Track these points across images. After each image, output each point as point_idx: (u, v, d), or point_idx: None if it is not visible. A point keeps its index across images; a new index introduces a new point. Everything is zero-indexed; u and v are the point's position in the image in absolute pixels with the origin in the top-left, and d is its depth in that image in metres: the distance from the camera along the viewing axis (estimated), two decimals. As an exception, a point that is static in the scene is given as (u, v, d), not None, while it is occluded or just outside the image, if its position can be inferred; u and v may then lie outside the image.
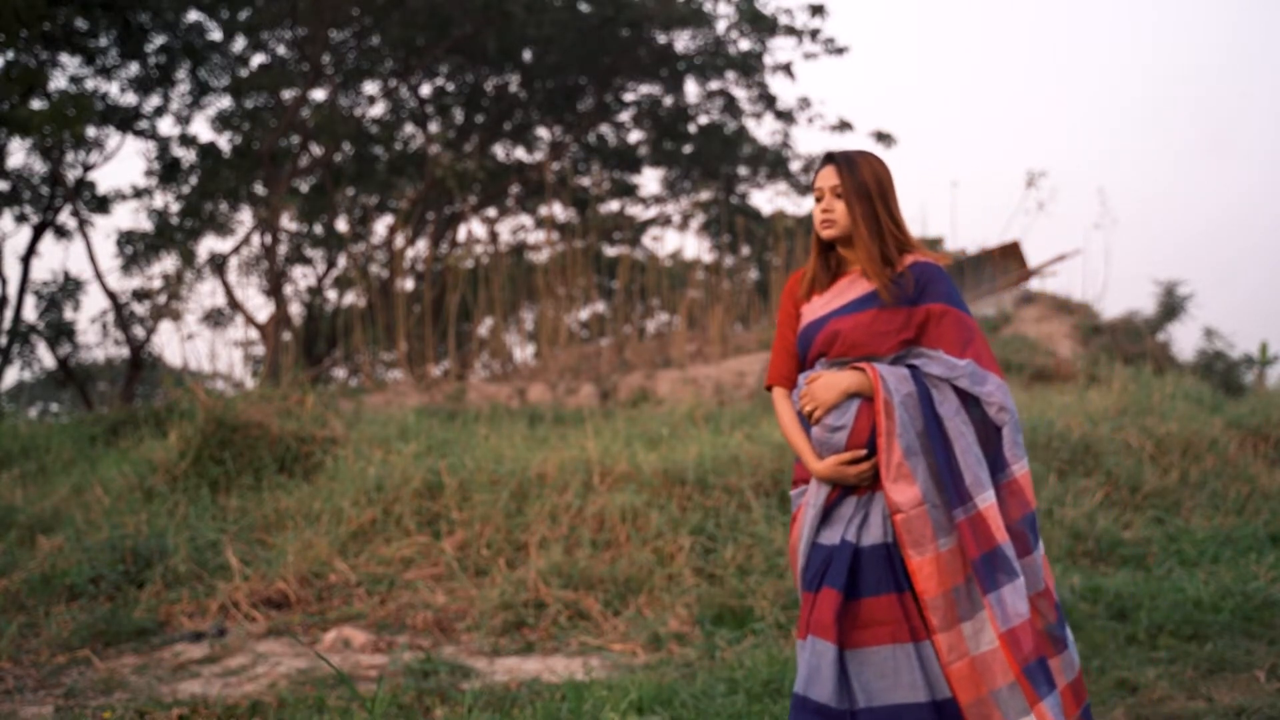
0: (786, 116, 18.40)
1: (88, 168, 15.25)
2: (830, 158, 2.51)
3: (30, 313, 15.39)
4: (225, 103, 16.63)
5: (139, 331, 16.10)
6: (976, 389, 2.38)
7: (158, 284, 16.56)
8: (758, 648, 4.39)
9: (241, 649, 4.63)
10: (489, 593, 5.16)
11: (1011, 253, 18.63)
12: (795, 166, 19.19)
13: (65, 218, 15.38)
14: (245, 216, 18.14)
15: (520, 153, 19.56)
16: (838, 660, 2.29)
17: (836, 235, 2.49)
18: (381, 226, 19.24)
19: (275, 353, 14.55)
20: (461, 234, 19.67)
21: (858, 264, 2.51)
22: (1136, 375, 10.04)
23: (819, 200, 2.51)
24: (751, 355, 12.72)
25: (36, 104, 13.48)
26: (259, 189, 17.43)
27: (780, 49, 20.85)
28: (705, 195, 19.70)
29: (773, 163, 19.04)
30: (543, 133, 19.37)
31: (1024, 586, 2.30)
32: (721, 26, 16.93)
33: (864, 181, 2.45)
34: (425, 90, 18.27)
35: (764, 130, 27.62)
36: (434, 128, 18.82)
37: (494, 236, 20.22)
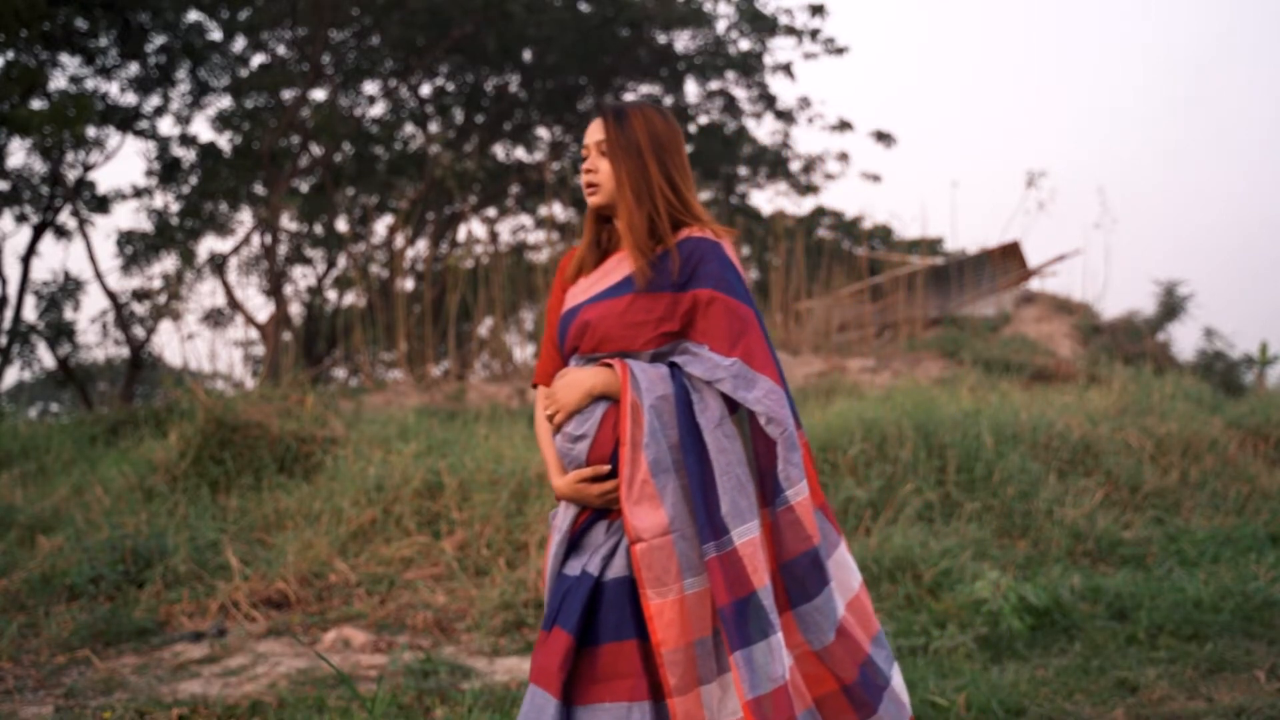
0: (786, 116, 18.42)
1: (88, 168, 15.25)
2: (599, 109, 2.12)
3: (30, 313, 15.42)
4: (225, 103, 16.65)
5: (139, 331, 16.11)
6: (740, 395, 1.92)
7: (158, 284, 16.60)
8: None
9: (241, 649, 4.62)
10: (489, 593, 5.16)
11: (1011, 253, 18.65)
12: (795, 166, 19.21)
13: (65, 218, 15.39)
14: (245, 216, 18.17)
15: (520, 153, 19.59)
16: (559, 717, 1.88)
17: (603, 202, 2.08)
18: (381, 226, 19.27)
19: (275, 353, 14.55)
20: (461, 234, 19.69)
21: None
22: (1136, 375, 10.04)
23: (585, 159, 2.12)
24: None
25: (36, 104, 13.48)
26: (259, 189, 17.45)
27: (780, 49, 20.89)
28: (705, 195, 19.70)
29: (773, 163, 19.06)
30: (543, 133, 19.39)
31: (781, 644, 1.87)
32: (721, 26, 16.95)
33: (633, 137, 2.04)
34: (425, 90, 18.29)
35: (764, 130, 27.68)
36: (434, 128, 18.84)
37: (494, 236, 20.24)
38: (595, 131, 2.09)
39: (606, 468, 1.98)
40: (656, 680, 1.90)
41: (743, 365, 1.94)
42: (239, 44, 16.29)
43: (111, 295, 15.49)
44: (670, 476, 1.92)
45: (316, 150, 17.02)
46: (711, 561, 1.87)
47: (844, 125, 18.02)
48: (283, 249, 18.85)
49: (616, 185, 2.06)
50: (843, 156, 19.17)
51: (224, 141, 16.82)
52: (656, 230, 2.04)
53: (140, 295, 16.24)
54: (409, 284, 18.23)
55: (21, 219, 15.10)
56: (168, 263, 17.06)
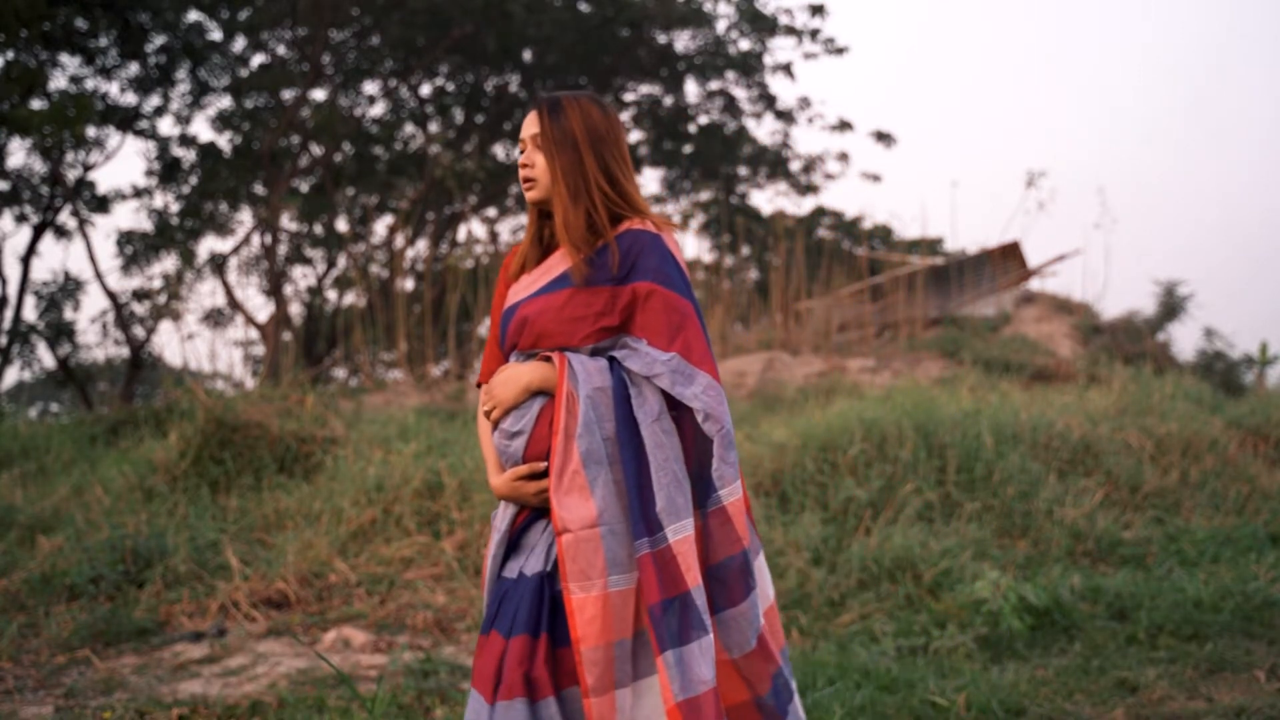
0: (786, 116, 18.42)
1: (88, 168, 15.26)
2: (535, 101, 2.05)
3: (30, 313, 15.43)
4: (225, 103, 16.66)
5: (139, 331, 16.11)
6: (678, 390, 1.87)
7: (158, 284, 16.60)
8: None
9: (241, 649, 4.62)
10: (489, 593, 5.16)
11: (1011, 253, 18.64)
12: (795, 166, 19.22)
13: (65, 218, 15.41)
14: (245, 216, 18.18)
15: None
16: None
17: (540, 197, 2.02)
18: (381, 226, 19.27)
19: (275, 353, 14.55)
20: (461, 234, 19.69)
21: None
22: (1136, 375, 10.03)
23: (521, 153, 2.05)
24: (751, 355, 12.72)
25: (36, 104, 13.49)
26: (259, 189, 17.45)
27: (780, 49, 20.91)
28: (705, 195, 19.71)
29: (773, 163, 19.07)
30: (543, 133, 19.39)
31: (712, 646, 1.82)
32: (721, 26, 16.96)
33: (569, 129, 1.98)
34: (425, 90, 18.29)
35: (764, 130, 27.71)
36: (434, 128, 18.84)
37: (494, 236, 20.24)
38: (530, 124, 2.03)
39: (543, 465, 1.92)
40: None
41: (681, 360, 1.90)
42: (239, 44, 16.30)
43: (111, 295, 15.50)
44: (603, 469, 1.87)
45: (316, 150, 17.03)
46: (644, 558, 1.81)
47: (844, 125, 18.03)
48: (283, 249, 18.85)
49: (552, 180, 1.99)
50: (843, 156, 19.17)
51: (224, 141, 16.84)
52: (595, 225, 1.98)
53: (140, 295, 16.25)
54: (409, 284, 18.23)
55: (21, 219, 15.11)
56: (168, 263, 17.09)
